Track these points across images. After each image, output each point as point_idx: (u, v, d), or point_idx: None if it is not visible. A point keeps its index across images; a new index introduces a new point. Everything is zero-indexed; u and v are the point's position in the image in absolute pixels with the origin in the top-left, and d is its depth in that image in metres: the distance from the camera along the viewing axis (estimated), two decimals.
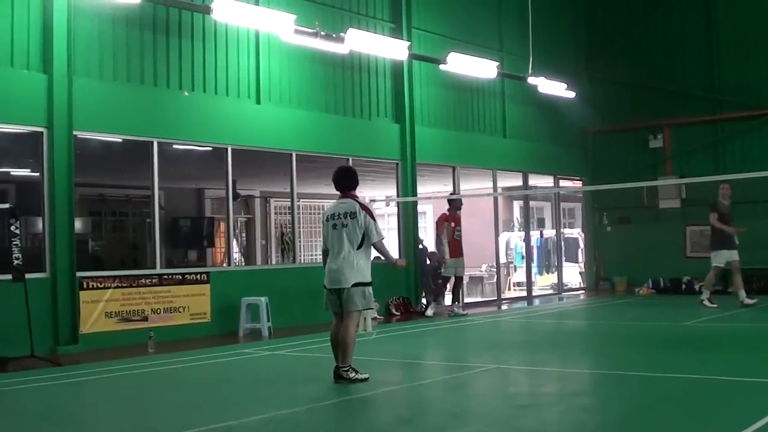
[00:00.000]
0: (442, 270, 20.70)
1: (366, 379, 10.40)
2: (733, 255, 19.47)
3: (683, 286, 25.51)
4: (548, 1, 26.69)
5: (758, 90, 25.81)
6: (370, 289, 10.72)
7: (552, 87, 24.33)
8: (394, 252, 16.89)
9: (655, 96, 27.57)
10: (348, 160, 20.12)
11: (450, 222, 20.32)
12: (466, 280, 24.23)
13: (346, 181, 11.11)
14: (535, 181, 28.16)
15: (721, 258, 19.49)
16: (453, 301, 20.55)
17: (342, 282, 10.51)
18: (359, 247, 10.62)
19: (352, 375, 10.39)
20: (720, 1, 26.68)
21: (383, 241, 10.90)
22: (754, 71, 25.94)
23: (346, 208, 10.73)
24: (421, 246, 23.92)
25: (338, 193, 10.96)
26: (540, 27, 24.96)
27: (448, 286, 21.14)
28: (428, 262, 24.57)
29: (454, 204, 20.60)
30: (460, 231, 20.39)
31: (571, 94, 25.59)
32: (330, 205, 11.19)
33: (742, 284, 19.67)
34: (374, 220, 10.75)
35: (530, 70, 23.49)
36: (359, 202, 10.82)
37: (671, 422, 7.90)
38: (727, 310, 18.70)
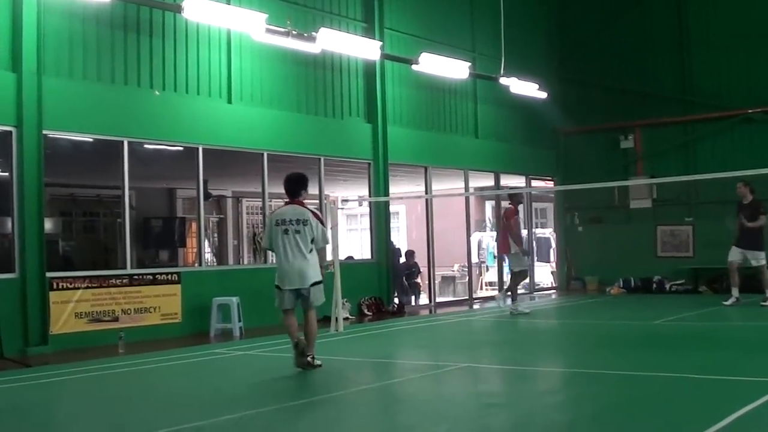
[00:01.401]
0: (513, 266, 19.95)
1: (320, 366, 11.38)
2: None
3: (654, 286, 25.65)
4: (521, 3, 26.72)
5: (729, 91, 25.97)
6: (322, 286, 11.66)
7: (524, 88, 24.37)
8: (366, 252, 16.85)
9: (627, 97, 27.67)
10: (320, 159, 20.14)
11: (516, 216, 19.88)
12: (438, 279, 24.28)
13: (297, 187, 11.88)
14: (506, 181, 28.19)
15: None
16: (513, 300, 19.75)
17: (304, 282, 11.42)
18: (311, 251, 11.51)
19: (316, 362, 11.36)
20: (691, 3, 26.82)
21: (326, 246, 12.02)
22: (725, 73, 26.09)
23: (298, 215, 11.53)
24: (394, 246, 23.98)
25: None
26: (512, 28, 24.98)
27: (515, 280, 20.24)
28: (403, 260, 24.63)
29: (517, 198, 20.32)
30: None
31: (543, 95, 25.64)
32: (278, 209, 11.89)
33: None
34: (324, 227, 11.72)
35: (502, 71, 23.52)
36: (310, 210, 11.65)
37: (641, 420, 7.92)
38: (695, 309, 18.79)
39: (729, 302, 19.44)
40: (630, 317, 17.98)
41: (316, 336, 11.60)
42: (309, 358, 11.29)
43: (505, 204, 20.29)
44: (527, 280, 20.36)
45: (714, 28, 26.39)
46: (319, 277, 11.56)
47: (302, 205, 11.68)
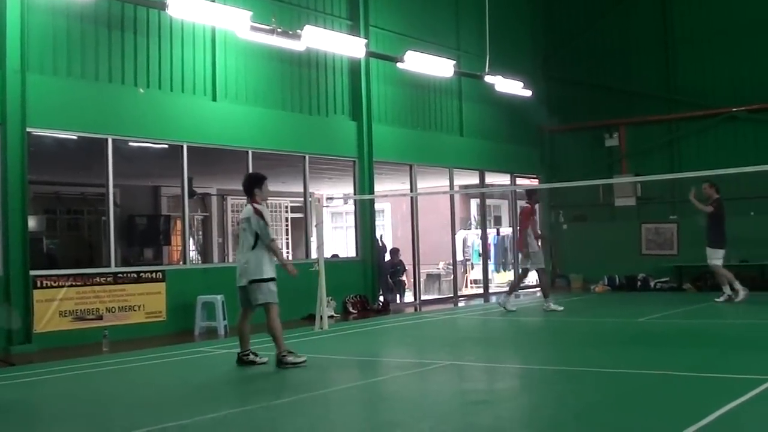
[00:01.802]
0: (526, 263, 19.59)
1: (304, 362, 11.46)
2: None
3: (638, 284, 25.71)
4: (506, 1, 26.78)
5: (713, 90, 26.07)
6: (270, 284, 11.64)
7: (509, 86, 24.42)
8: (348, 250, 16.82)
9: (612, 95, 27.75)
10: (305, 157, 20.14)
11: (534, 215, 19.77)
12: (423, 277, 24.27)
13: (247, 187, 12.13)
14: (491, 179, 28.26)
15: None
16: (545, 297, 19.62)
17: (242, 280, 11.75)
18: (253, 248, 11.64)
19: (290, 358, 11.46)
20: (676, 2, 26.93)
21: (275, 243, 11.92)
22: (710, 71, 26.19)
23: (245, 213, 11.87)
24: (380, 243, 23.98)
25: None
26: (497, 26, 25.04)
27: (524, 279, 20.39)
28: (388, 258, 24.62)
29: (534, 196, 20.05)
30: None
31: (528, 93, 25.70)
32: None
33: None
34: (266, 223, 11.68)
35: (487, 69, 23.56)
36: (254, 207, 11.78)
37: (625, 417, 7.94)
38: (679, 306, 18.83)
39: (740, 298, 19.39)
40: (614, 315, 18.03)
41: (281, 333, 11.62)
42: (281, 357, 11.51)
43: (521, 203, 19.91)
44: (526, 280, 20.04)
45: (698, 27, 26.49)
46: (260, 275, 11.57)
47: (251, 203, 11.89)
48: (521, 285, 20.80)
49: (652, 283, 25.63)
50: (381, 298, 21.70)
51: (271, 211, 27.81)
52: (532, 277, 29.98)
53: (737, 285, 19.46)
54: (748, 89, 25.46)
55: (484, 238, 27.86)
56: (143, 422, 8.13)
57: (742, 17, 25.78)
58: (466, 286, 29.13)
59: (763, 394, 8.54)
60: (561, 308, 19.12)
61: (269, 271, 11.65)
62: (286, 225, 30.11)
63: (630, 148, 27.54)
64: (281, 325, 11.70)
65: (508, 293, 19.80)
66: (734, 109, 25.60)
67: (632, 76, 27.45)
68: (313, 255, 19.40)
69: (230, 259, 27.71)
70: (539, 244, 19.50)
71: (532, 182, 29.76)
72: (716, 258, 19.47)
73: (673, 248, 26.24)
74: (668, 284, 25.38)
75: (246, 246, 11.70)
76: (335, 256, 24.05)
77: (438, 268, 28.63)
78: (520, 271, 20.10)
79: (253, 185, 12.02)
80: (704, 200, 19.84)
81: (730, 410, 7.75)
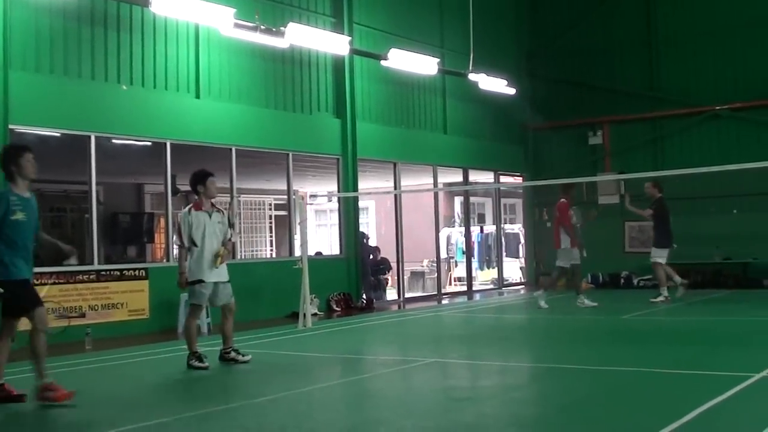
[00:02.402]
0: (559, 261, 19.25)
1: (206, 368, 11.33)
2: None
3: (622, 281, 25.80)
4: None
5: (697, 88, 26.16)
6: (193, 287, 11.64)
7: (493, 84, 24.45)
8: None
9: (595, 93, 27.80)
10: (288, 155, 20.12)
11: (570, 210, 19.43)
12: (407, 275, 24.26)
13: (191, 184, 12.17)
14: (475, 177, 28.28)
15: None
16: (578, 293, 19.39)
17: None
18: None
19: (193, 362, 11.48)
20: (659, 1, 27.02)
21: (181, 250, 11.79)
22: (693, 70, 26.28)
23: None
24: (365, 241, 23.96)
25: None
26: (481, 24, 25.06)
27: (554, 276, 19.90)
28: (371, 257, 24.61)
29: (569, 191, 19.64)
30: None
31: (512, 91, 25.74)
32: None
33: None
34: (178, 224, 11.86)
35: (471, 67, 23.58)
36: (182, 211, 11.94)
37: (608, 414, 7.97)
38: (663, 303, 18.88)
39: (679, 293, 19.49)
40: (598, 312, 18.05)
41: (192, 336, 11.71)
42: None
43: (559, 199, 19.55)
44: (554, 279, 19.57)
45: (682, 26, 26.58)
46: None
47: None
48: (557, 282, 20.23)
49: (635, 281, 25.72)
50: (364, 296, 21.67)
51: (256, 209, 27.84)
52: (514, 274, 30.32)
53: (676, 278, 19.45)
54: (731, 88, 25.57)
55: (467, 235, 27.88)
56: (126, 420, 8.12)
57: (725, 16, 25.88)
58: (450, 284, 29.16)
59: (746, 390, 8.58)
60: (547, 306, 19.01)
61: (193, 274, 11.67)
62: (270, 223, 30.06)
63: (613, 146, 27.59)
64: (196, 329, 11.89)
65: (543, 290, 19.50)
66: (717, 108, 25.70)
67: (616, 75, 27.52)
68: (297, 253, 19.37)
69: None
70: (578, 239, 19.24)
71: (516, 180, 29.81)
72: (659, 257, 19.35)
73: None
74: (652, 282, 25.40)
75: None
76: (319, 253, 24.01)
77: (422, 266, 28.64)
78: (556, 269, 19.59)
79: (196, 183, 12.01)
80: (647, 200, 19.77)
81: (713, 407, 7.79)
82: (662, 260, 19.37)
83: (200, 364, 11.32)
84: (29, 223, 9.72)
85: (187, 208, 11.93)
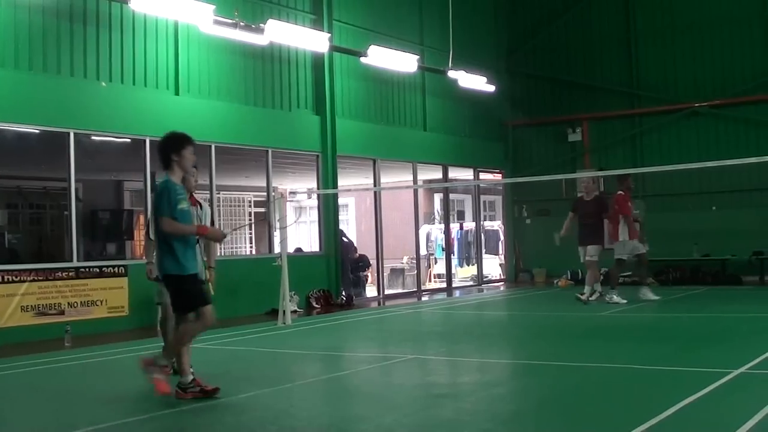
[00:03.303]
0: (618, 253, 18.92)
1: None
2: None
3: (601, 278, 25.78)
4: None
5: (675, 85, 26.33)
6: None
7: (472, 81, 24.51)
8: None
9: (575, 90, 27.93)
10: (268, 151, 20.11)
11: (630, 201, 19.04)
12: (387, 272, 24.26)
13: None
14: (455, 173, 28.33)
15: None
16: (612, 288, 18.96)
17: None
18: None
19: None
20: None
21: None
22: (672, 67, 26.43)
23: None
24: (345, 239, 23.95)
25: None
26: (460, 21, 25.12)
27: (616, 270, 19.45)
28: (356, 255, 24.62)
29: (627, 183, 19.10)
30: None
31: (491, 88, 25.81)
32: None
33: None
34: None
35: (450, 64, 23.62)
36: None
37: (586, 410, 8.01)
38: (642, 300, 18.94)
39: (592, 297, 18.88)
40: (577, 309, 18.09)
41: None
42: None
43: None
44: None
45: (661, 23, 26.74)
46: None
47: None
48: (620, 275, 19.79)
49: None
50: (343, 293, 21.67)
51: (235, 206, 27.80)
52: (493, 270, 30.39)
53: (598, 287, 19.06)
54: (710, 85, 25.74)
55: (447, 232, 27.92)
56: (107, 417, 8.11)
57: (704, 14, 26.04)
58: (430, 281, 29.18)
59: (723, 387, 8.62)
60: (624, 301, 18.56)
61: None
62: (250, 219, 30.02)
63: (593, 142, 27.71)
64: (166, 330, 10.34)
65: (612, 287, 19.00)
66: (696, 105, 25.86)
67: (595, 72, 27.64)
68: (276, 249, 19.36)
69: None
70: (637, 231, 18.92)
71: (496, 177, 29.87)
72: (594, 255, 18.79)
73: None
74: (631, 278, 25.51)
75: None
76: (298, 250, 24.02)
77: (402, 263, 28.66)
78: (615, 261, 19.17)
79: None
80: (585, 195, 19.30)
81: (691, 403, 7.82)
82: (596, 258, 18.85)
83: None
84: (192, 213, 9.48)
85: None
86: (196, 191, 10.53)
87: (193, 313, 8.88)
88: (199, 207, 10.29)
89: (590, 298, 18.71)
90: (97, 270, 16.40)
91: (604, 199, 19.22)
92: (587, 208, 18.96)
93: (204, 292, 9.12)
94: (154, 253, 9.64)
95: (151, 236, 9.92)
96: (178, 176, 9.08)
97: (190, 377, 9.05)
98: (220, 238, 9.97)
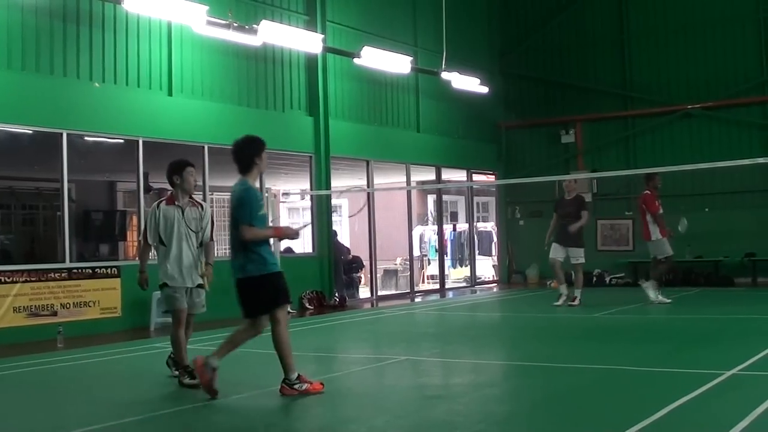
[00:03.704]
0: (655, 253, 18.79)
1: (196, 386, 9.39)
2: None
3: (594, 279, 25.86)
4: None
5: (668, 87, 26.37)
6: (163, 291, 10.36)
7: (465, 82, 24.50)
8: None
9: (568, 92, 27.97)
10: None
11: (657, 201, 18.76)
12: (380, 273, 24.24)
13: (167, 176, 10.82)
14: (448, 175, 28.33)
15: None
16: (658, 287, 18.87)
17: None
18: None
19: (186, 380, 9.88)
20: (632, 0, 27.15)
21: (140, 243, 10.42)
22: (665, 69, 26.47)
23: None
24: (337, 240, 23.94)
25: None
26: (454, 22, 25.09)
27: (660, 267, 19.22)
28: (350, 257, 24.61)
29: (654, 181, 18.78)
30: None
31: (485, 90, 25.81)
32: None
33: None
34: (145, 219, 10.42)
35: (444, 66, 23.62)
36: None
37: (579, 411, 8.02)
38: (634, 302, 18.95)
39: (559, 302, 18.74)
40: (570, 310, 18.12)
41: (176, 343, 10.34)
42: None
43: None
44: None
45: (654, 25, 26.79)
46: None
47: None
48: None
49: (607, 279, 25.84)
50: (337, 294, 21.65)
51: (224, 207, 27.73)
52: (487, 272, 30.38)
53: (564, 289, 18.80)
54: (703, 87, 25.78)
55: (440, 233, 27.92)
56: (99, 418, 8.10)
57: (697, 16, 26.10)
58: (423, 282, 29.18)
59: (716, 388, 8.64)
60: (669, 300, 18.58)
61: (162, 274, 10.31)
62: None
63: (586, 144, 27.73)
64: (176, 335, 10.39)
65: (656, 287, 18.85)
66: (689, 107, 25.90)
67: (588, 73, 27.67)
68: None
69: None
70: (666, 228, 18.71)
71: (489, 178, 29.88)
72: (581, 257, 18.66)
73: (628, 244, 26.48)
74: (623, 279, 25.60)
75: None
76: (288, 250, 23.90)
77: (395, 264, 28.66)
78: (653, 261, 19.10)
79: (172, 173, 10.65)
80: (567, 194, 19.01)
81: (684, 404, 7.83)
82: (583, 260, 18.77)
83: (192, 381, 9.67)
84: (266, 215, 9.73)
85: (156, 203, 10.60)
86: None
87: (279, 308, 9.18)
88: (200, 208, 10.60)
89: (572, 303, 18.61)
90: (90, 271, 16.37)
91: (583, 199, 19.15)
92: (568, 207, 18.82)
93: (288, 289, 9.47)
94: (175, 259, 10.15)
95: (150, 241, 10.31)
96: (255, 180, 9.42)
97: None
98: (295, 236, 10.15)
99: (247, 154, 9.54)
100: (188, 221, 10.38)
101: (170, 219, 10.30)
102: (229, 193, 9.51)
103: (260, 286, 9.10)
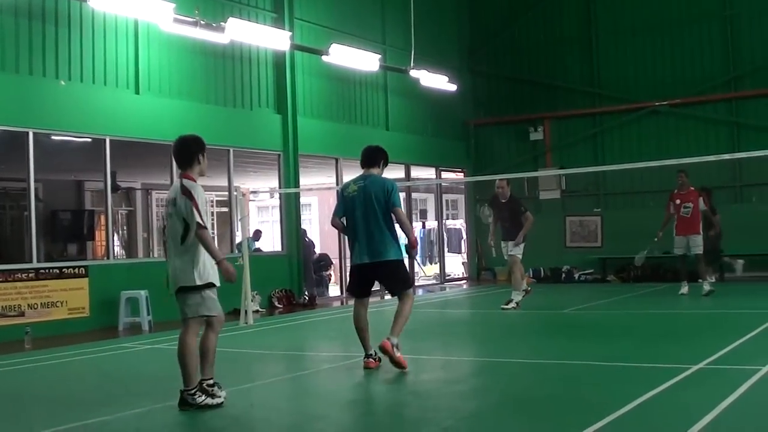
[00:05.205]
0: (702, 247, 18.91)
1: (221, 405, 8.36)
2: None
3: (563, 275, 26.01)
4: None
5: (636, 84, 26.51)
6: (207, 292, 8.41)
7: (434, 80, 24.53)
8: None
9: (536, 89, 28.04)
10: (229, 151, 20.06)
11: (675, 200, 18.88)
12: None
13: (184, 155, 8.80)
14: (417, 173, 28.34)
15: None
16: (703, 278, 18.84)
17: (172, 285, 8.52)
18: (182, 242, 8.37)
19: (200, 399, 8.36)
20: None
21: (205, 232, 8.34)
22: (632, 66, 26.62)
23: (172, 192, 8.65)
24: (306, 239, 23.91)
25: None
26: (422, 20, 25.12)
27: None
28: (317, 255, 24.59)
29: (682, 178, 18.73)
30: (689, 207, 18.79)
31: (453, 87, 25.84)
32: None
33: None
34: (196, 205, 8.31)
35: (412, 64, 23.63)
36: (182, 183, 8.51)
37: (545, 407, 8.03)
38: (603, 298, 19.05)
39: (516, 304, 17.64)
40: (539, 306, 18.16)
41: (210, 358, 8.53)
42: (187, 395, 8.37)
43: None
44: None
45: (621, 22, 26.93)
46: (186, 282, 8.36)
47: (182, 177, 8.68)
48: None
49: (576, 275, 25.95)
50: (306, 293, 21.62)
51: None
52: (456, 269, 30.44)
53: (524, 285, 18.02)
54: (670, 84, 25.93)
55: None
56: (66, 419, 8.06)
57: (664, 14, 26.26)
58: None
59: (682, 382, 8.69)
60: (713, 288, 18.68)
61: (206, 275, 8.41)
62: (212, 219, 29.95)
63: (554, 141, 27.82)
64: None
65: (704, 279, 18.88)
66: (657, 104, 26.03)
67: (556, 71, 27.76)
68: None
69: (155, 254, 27.49)
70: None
71: (458, 176, 29.93)
72: (519, 252, 17.65)
73: (597, 241, 26.60)
74: (592, 276, 25.72)
75: (174, 239, 8.43)
76: (258, 250, 23.86)
77: None
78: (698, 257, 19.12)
79: (198, 150, 8.78)
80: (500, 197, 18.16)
81: (650, 399, 7.87)
82: (521, 255, 17.74)
83: (214, 401, 8.38)
84: None
85: (188, 181, 8.50)
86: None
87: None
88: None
89: (517, 302, 17.56)
90: (58, 271, 16.27)
91: (519, 201, 18.36)
92: (504, 211, 17.97)
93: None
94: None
95: (188, 241, 8.34)
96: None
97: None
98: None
99: (379, 155, 11.26)
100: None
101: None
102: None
103: (400, 268, 11.47)
